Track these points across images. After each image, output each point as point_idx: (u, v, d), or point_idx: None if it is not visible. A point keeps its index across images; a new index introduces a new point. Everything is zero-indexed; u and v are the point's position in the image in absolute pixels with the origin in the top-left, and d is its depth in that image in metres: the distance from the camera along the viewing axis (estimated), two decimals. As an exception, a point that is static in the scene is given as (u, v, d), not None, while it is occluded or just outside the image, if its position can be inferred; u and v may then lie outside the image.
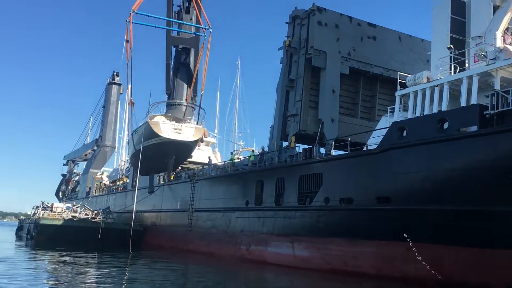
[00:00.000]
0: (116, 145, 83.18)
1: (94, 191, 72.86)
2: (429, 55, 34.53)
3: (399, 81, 22.95)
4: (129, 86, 39.11)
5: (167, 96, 50.59)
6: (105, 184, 72.56)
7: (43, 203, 52.15)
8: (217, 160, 50.53)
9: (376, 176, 21.58)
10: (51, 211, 50.22)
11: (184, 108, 52.40)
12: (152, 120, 29.98)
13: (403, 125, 20.67)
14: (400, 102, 22.54)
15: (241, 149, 59.55)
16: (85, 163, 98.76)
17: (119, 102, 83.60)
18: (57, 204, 55.91)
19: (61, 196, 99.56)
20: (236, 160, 36.51)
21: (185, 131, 29.86)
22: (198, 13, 38.94)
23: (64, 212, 49.99)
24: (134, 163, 35.63)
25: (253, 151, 34.34)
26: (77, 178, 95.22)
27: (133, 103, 34.94)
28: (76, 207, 51.25)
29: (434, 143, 18.93)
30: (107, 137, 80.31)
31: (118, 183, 65.81)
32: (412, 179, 19.88)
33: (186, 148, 32.20)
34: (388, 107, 24.08)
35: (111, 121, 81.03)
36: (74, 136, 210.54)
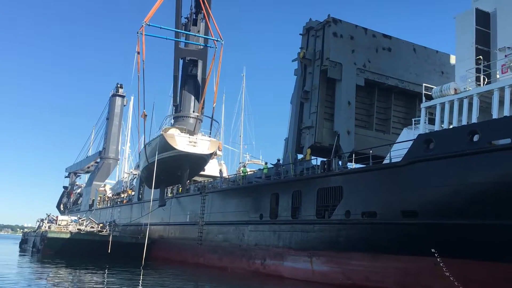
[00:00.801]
0: (119, 157, 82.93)
1: (97, 203, 72.17)
2: (443, 67, 34.59)
3: (424, 93, 22.55)
4: (140, 98, 38.71)
5: (174, 108, 50.38)
6: (108, 197, 71.93)
7: (48, 216, 51.58)
8: (223, 172, 50.11)
9: (401, 189, 21.13)
10: (56, 223, 49.68)
11: (192, 120, 52.26)
12: (167, 132, 29.49)
13: (430, 137, 20.25)
14: (426, 114, 22.14)
15: (247, 161, 59.09)
16: (87, 175, 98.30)
17: (123, 114, 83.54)
18: (61, 217, 55.35)
19: (62, 209, 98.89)
20: (249, 173, 36.09)
21: (200, 144, 29.40)
22: (208, 25, 38.64)
23: (69, 225, 49.43)
24: (146, 176, 35.07)
25: (266, 163, 33.79)
26: (79, 190, 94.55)
27: (146, 115, 34.51)
28: (82, 220, 50.67)
29: (464, 156, 18.50)
30: (111, 149, 79.91)
31: (122, 195, 65.21)
32: (441, 193, 19.42)
33: (201, 161, 31.71)
34: (413, 119, 23.69)
35: (115, 133, 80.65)
36: (75, 148, 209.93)
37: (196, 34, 37.10)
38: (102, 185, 77.79)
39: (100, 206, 70.79)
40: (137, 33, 36.30)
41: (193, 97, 52.74)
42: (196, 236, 38.34)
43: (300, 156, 31.57)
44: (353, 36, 31.63)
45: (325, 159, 27.63)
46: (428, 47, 34.51)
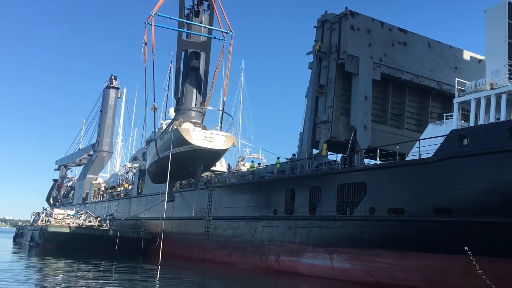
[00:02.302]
0: (113, 150, 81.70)
1: (92, 197, 70.97)
2: (457, 62, 34.29)
3: (458, 88, 22.12)
4: (150, 90, 37.94)
5: (175, 101, 49.50)
6: (103, 190, 70.79)
7: (46, 209, 50.47)
8: (222, 166, 49.37)
9: (432, 186, 20.73)
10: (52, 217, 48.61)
11: (194, 113, 51.41)
12: (182, 126, 28.61)
13: (465, 133, 19.88)
14: (459, 109, 21.75)
15: (246, 156, 58.40)
16: (77, 168, 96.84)
17: (117, 106, 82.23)
18: (57, 210, 54.15)
19: (52, 202, 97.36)
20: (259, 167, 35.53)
21: (216, 139, 28.48)
22: (217, 16, 37.74)
23: (66, 219, 48.36)
24: (155, 171, 34.14)
25: (278, 158, 33.22)
26: (70, 183, 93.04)
27: (156, 108, 33.65)
28: (80, 214, 49.63)
29: (503, 152, 18.14)
30: (104, 142, 78.70)
31: (118, 189, 64.18)
32: (477, 190, 19.08)
33: (216, 156, 30.88)
34: (444, 114, 23.31)
35: (109, 126, 79.43)
36: (65, 140, 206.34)
37: (205, 26, 36.04)
38: (96, 178, 76.64)
39: (94, 200, 69.60)
40: (145, 23, 35.27)
41: (195, 90, 51.84)
42: (203, 231, 37.70)
43: (315, 151, 31.05)
44: (370, 29, 31.16)
45: (345, 155, 27.11)
46: (442, 42, 34.16)
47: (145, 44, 35.73)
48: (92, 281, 23.19)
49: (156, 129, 69.53)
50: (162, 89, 74.37)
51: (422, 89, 33.57)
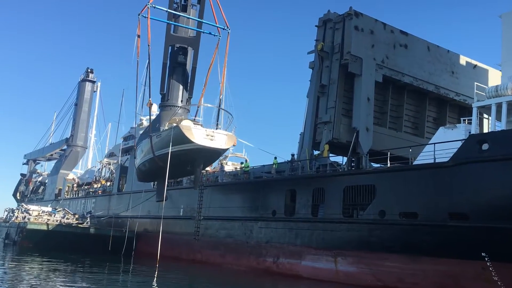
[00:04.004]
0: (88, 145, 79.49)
1: (66, 193, 68.74)
2: (454, 67, 34.45)
3: (476, 92, 21.98)
4: (143, 85, 36.78)
5: (161, 97, 48.26)
6: (77, 186, 68.70)
7: (22, 205, 48.51)
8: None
9: (449, 190, 20.53)
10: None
11: (180, 110, 50.23)
12: (183, 124, 27.52)
13: (484, 138, 19.73)
14: (477, 114, 21.62)
15: (229, 154, 57.65)
16: (48, 163, 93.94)
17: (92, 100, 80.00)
18: (32, 206, 52.14)
19: (19, 197, 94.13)
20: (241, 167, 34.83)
21: (218, 138, 27.46)
22: (213, 11, 36.74)
23: (41, 215, 46.60)
24: (147, 169, 32.88)
25: (275, 158, 32.56)
26: (40, 178, 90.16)
27: (152, 104, 32.37)
28: (58, 211, 47.89)
29: (526, 158, 18.04)
30: (79, 137, 76.44)
31: (95, 185, 62.35)
32: (497, 196, 18.97)
33: (216, 156, 29.90)
34: (462, 119, 23.16)
35: (84, 120, 77.25)
36: (33, 133, 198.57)
37: (202, 20, 35.00)
38: (68, 174, 74.40)
39: (69, 196, 67.44)
40: (138, 15, 33.95)
41: (181, 87, 50.84)
42: (192, 231, 36.77)
43: (315, 152, 30.60)
44: (373, 30, 30.90)
45: (352, 157, 26.73)
46: (441, 46, 34.26)
47: (138, 36, 34.43)
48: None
49: (136, 125, 68.07)
50: (139, 84, 72.88)
51: (420, 92, 33.58)
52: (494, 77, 35.40)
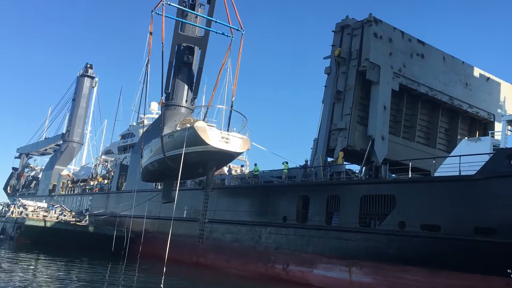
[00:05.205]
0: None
1: (60, 189, 67.65)
2: (468, 79, 34.26)
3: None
4: (147, 82, 36.12)
5: (165, 96, 47.57)
6: (72, 183, 67.66)
7: (19, 200, 47.53)
8: None
9: (475, 204, 20.19)
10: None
11: (184, 110, 49.58)
12: (198, 125, 26.83)
13: (514, 152, 19.42)
14: (505, 127, 21.31)
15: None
16: (41, 157, 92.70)
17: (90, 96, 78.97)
18: (27, 202, 51.11)
19: (10, 191, 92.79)
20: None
21: (233, 141, 26.77)
22: (227, 11, 36.14)
23: (38, 211, 45.66)
24: (155, 169, 32.16)
25: (286, 163, 32.07)
26: (33, 173, 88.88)
27: (164, 103, 31.71)
28: (56, 207, 46.96)
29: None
30: (75, 133, 75.50)
31: (92, 183, 61.39)
32: (527, 212, 18.61)
33: (229, 159, 29.21)
34: (490, 132, 22.83)
35: (81, 116, 76.34)
36: (25, 126, 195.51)
37: (219, 21, 34.36)
38: (63, 170, 73.33)
39: (63, 192, 66.36)
40: (152, 12, 33.23)
41: (186, 86, 50.33)
42: (196, 233, 36.08)
43: (329, 159, 30.17)
44: (392, 38, 30.61)
45: (370, 165, 26.30)
46: (456, 57, 34.06)
47: (150, 33, 33.68)
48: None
49: (134, 123, 67.15)
50: (138, 82, 72.02)
51: (433, 102, 33.37)
52: (506, 91, 35.34)
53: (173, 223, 40.16)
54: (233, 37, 34.24)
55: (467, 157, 21.51)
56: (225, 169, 39.67)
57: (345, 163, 29.48)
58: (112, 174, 56.38)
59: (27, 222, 39.73)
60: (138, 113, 67.12)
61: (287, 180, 31.35)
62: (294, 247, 28.19)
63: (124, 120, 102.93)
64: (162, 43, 32.32)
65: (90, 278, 25.36)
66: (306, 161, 30.65)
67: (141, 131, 60.29)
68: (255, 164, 34.79)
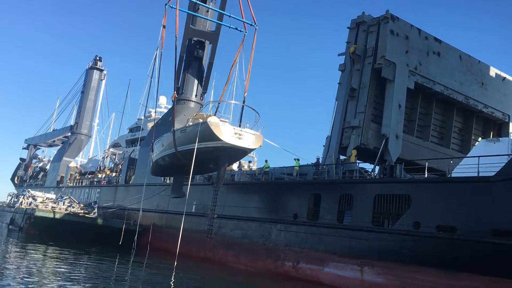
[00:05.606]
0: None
1: (68, 181, 67.69)
2: (483, 78, 33.79)
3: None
4: (159, 76, 35.80)
5: (176, 90, 47.33)
6: (80, 175, 67.66)
7: (28, 191, 47.54)
8: None
9: (494, 206, 19.83)
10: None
11: (193, 104, 49.34)
12: (212, 120, 26.53)
13: (536, 154, 19.04)
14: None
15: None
16: (48, 149, 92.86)
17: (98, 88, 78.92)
18: (37, 192, 51.12)
19: (17, 182, 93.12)
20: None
21: (246, 137, 26.39)
22: (241, 6, 35.74)
23: (46, 202, 45.67)
24: (167, 164, 31.93)
25: (298, 160, 31.73)
26: (41, 164, 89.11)
27: (176, 97, 31.41)
28: (65, 199, 46.95)
29: None
30: (84, 125, 75.62)
31: (99, 175, 61.37)
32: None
33: (241, 155, 28.89)
34: (510, 132, 22.42)
35: (89, 108, 76.45)
36: (33, 116, 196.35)
37: (233, 16, 33.95)
38: (71, 162, 73.42)
39: (71, 184, 66.39)
40: (165, 5, 32.90)
41: (196, 81, 50.08)
42: (205, 229, 35.90)
43: (341, 157, 29.84)
44: (408, 36, 30.16)
45: (384, 164, 25.95)
46: (472, 56, 33.59)
47: (164, 27, 33.37)
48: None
49: (143, 117, 67.00)
50: (146, 76, 71.85)
51: (448, 102, 32.93)
52: (522, 91, 34.89)
53: (181, 218, 40.23)
54: (246, 32, 33.81)
55: (486, 158, 21.15)
56: (235, 165, 39.39)
57: (357, 161, 29.13)
58: (120, 167, 56.32)
59: (37, 213, 39.70)
60: (146, 106, 67.21)
61: (298, 177, 31.03)
62: (304, 244, 27.92)
63: (131, 113, 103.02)
64: (176, 37, 32.02)
65: (99, 273, 25.21)
66: (318, 158, 30.33)
67: (149, 124, 60.29)
68: (266, 161, 34.47)
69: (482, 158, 21.32)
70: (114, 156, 64.92)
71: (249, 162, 56.23)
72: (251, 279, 28.68)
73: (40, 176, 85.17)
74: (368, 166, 29.76)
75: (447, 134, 33.34)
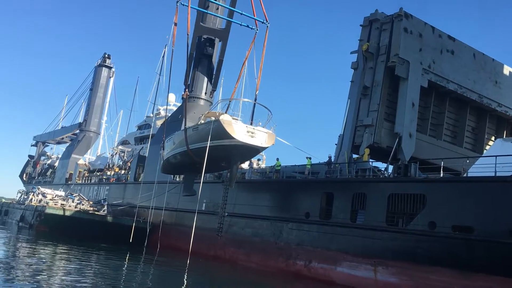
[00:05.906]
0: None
1: (77, 178, 67.81)
2: (497, 76, 33.45)
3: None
4: (170, 73, 35.79)
5: (184, 88, 47.27)
6: (88, 172, 67.77)
7: (38, 188, 47.65)
8: None
9: (510, 207, 19.59)
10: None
11: (202, 102, 49.26)
12: (224, 118, 26.40)
13: (555, 154, 18.78)
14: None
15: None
16: (57, 146, 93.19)
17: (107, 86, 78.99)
18: (46, 190, 51.25)
19: (25, 179, 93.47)
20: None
21: (258, 136, 26.23)
22: (252, 3, 35.51)
23: (56, 199, 45.74)
24: (178, 161, 31.83)
25: (310, 158, 31.57)
26: (49, 161, 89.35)
27: (188, 95, 31.27)
28: (75, 196, 47.01)
29: None
30: (92, 122, 75.69)
31: (108, 173, 61.41)
32: None
33: (254, 153, 28.69)
34: None
35: (98, 106, 76.55)
36: (42, 114, 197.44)
37: (244, 13, 33.72)
38: (80, 159, 73.52)
39: (80, 182, 66.50)
40: (177, 2, 32.73)
41: (206, 79, 49.95)
42: (215, 227, 35.84)
43: (354, 156, 29.63)
44: (422, 34, 29.88)
45: (398, 163, 25.71)
46: (486, 54, 33.25)
47: (175, 24, 33.29)
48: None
49: (151, 114, 66.94)
50: (154, 73, 71.75)
51: (461, 100, 32.63)
52: (536, 90, 34.51)
53: (192, 216, 40.14)
54: (257, 29, 33.55)
55: (503, 158, 20.89)
56: (246, 163, 39.26)
57: (371, 160, 28.92)
58: (129, 164, 56.36)
59: (47, 211, 39.78)
60: (154, 104, 67.13)
61: (310, 175, 30.86)
62: (317, 244, 27.76)
63: (140, 111, 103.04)
64: (187, 34, 31.92)
65: (109, 270, 25.19)
66: (330, 157, 30.13)
67: (158, 122, 60.21)
68: (277, 159, 34.31)
69: (498, 158, 21.10)
70: (122, 154, 64.96)
71: (258, 160, 56.11)
72: (262, 278, 28.54)
73: (48, 173, 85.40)
74: (380, 165, 29.50)
75: (460, 133, 33.04)
